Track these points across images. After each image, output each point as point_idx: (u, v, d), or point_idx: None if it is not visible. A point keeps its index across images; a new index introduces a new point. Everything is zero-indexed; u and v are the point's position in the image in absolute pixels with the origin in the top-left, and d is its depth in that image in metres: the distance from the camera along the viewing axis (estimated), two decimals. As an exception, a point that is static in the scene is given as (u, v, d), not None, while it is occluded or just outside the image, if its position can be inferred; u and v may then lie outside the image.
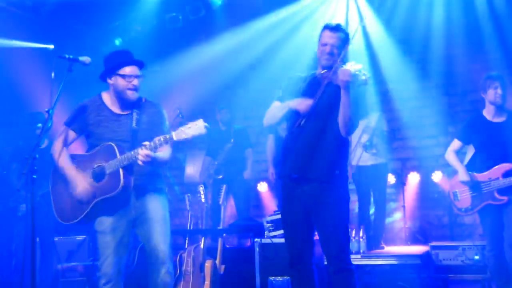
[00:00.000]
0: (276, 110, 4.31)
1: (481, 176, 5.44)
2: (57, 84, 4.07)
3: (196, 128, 3.90)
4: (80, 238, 7.37)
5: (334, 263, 4.09)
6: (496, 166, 5.35)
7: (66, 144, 4.31)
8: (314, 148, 4.13)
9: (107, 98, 4.38)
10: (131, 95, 4.28)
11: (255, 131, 9.76)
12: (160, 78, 8.87)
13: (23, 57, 8.13)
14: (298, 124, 4.16)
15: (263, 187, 9.37)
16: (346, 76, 3.85)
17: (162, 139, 3.98)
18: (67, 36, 8.42)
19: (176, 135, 3.93)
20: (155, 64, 9.14)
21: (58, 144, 4.30)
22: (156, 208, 4.32)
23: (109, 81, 4.33)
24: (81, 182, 4.18)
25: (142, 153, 3.98)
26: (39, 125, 6.81)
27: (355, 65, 3.89)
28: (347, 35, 4.24)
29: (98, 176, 4.18)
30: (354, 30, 4.27)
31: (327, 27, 4.24)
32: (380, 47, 8.74)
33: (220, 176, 8.10)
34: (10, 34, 7.86)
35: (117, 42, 9.26)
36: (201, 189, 6.26)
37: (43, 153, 6.22)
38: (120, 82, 4.26)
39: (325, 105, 4.12)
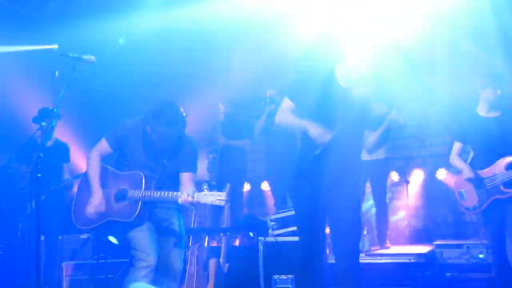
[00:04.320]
0: (290, 122, 4.25)
1: (485, 172, 5.40)
2: (61, 83, 4.07)
3: (216, 199, 4.25)
4: (84, 236, 7.36)
5: (344, 262, 4.15)
6: (499, 160, 5.31)
7: (100, 155, 4.66)
8: (337, 157, 4.06)
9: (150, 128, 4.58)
10: (157, 143, 4.55)
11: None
12: (165, 76, 8.88)
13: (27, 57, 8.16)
14: (314, 153, 4.08)
15: (266, 186, 9.36)
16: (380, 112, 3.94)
17: (188, 199, 4.30)
18: (70, 34, 8.41)
19: (197, 197, 4.27)
20: (159, 62, 9.15)
21: (95, 153, 4.64)
22: (177, 226, 4.73)
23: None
24: (98, 197, 4.50)
25: (187, 199, 4.30)
26: (43, 123, 6.80)
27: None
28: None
29: (119, 197, 4.53)
30: None
31: None
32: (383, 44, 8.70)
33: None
34: (14, 32, 7.86)
35: (121, 40, 9.25)
36: (205, 187, 6.26)
37: (50, 151, 6.23)
38: (151, 133, 4.49)
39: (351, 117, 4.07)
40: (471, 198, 5.51)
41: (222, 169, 7.88)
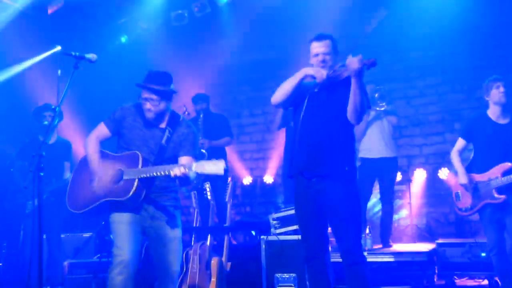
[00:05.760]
0: (286, 83, 4.44)
1: (481, 176, 5.51)
2: (64, 81, 4.08)
3: (215, 167, 4.06)
4: (86, 235, 7.37)
5: (348, 257, 4.23)
6: (497, 166, 5.41)
7: (97, 138, 4.51)
8: (323, 146, 4.26)
9: None
10: (147, 114, 4.45)
11: (260, 128, 9.78)
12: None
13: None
14: (312, 92, 4.36)
15: (269, 178, 9.41)
16: (355, 64, 4.05)
17: (181, 166, 4.14)
18: (73, 33, 8.43)
19: (195, 168, 4.09)
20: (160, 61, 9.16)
21: (92, 137, 4.51)
22: (175, 227, 4.50)
23: None
24: (100, 178, 4.36)
25: (180, 171, 4.11)
26: (49, 112, 6.76)
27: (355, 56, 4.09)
28: (334, 41, 4.46)
29: (116, 178, 4.34)
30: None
31: (313, 39, 4.47)
32: (386, 44, 8.72)
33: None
34: (17, 31, 7.88)
35: (123, 39, 9.27)
36: (207, 186, 6.27)
37: (51, 149, 6.22)
38: (142, 102, 4.46)
39: (330, 103, 4.30)
40: (465, 200, 5.65)
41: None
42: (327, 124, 4.28)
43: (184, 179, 4.20)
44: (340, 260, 4.30)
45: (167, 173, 4.16)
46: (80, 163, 4.61)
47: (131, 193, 4.22)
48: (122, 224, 4.34)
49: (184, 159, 4.45)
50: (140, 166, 4.29)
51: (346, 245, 4.22)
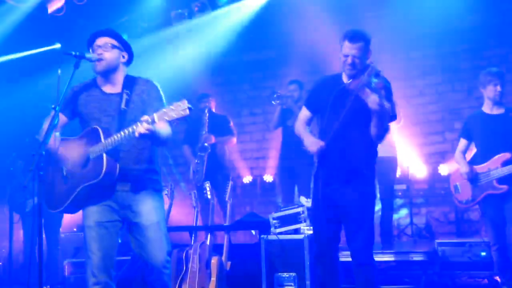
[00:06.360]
0: (300, 131, 4.53)
1: (481, 168, 5.54)
2: (64, 81, 4.06)
3: (179, 109, 3.59)
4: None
5: (357, 257, 4.25)
6: (496, 156, 5.43)
7: (55, 128, 3.98)
8: (348, 155, 4.27)
9: (100, 79, 4.20)
10: (97, 66, 4.10)
11: (260, 127, 9.78)
12: (166, 72, 8.88)
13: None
14: (316, 158, 4.34)
15: (269, 177, 9.41)
16: (374, 105, 4.01)
17: (143, 121, 3.70)
18: (73, 32, 8.41)
19: (159, 118, 3.66)
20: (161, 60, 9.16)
21: (46, 126, 3.99)
22: (150, 212, 4.10)
23: None
24: (68, 167, 4.02)
25: (146, 128, 3.69)
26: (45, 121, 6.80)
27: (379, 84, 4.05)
28: (368, 42, 4.25)
29: (83, 162, 3.99)
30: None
31: (347, 37, 4.22)
32: (385, 42, 8.71)
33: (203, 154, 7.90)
34: (17, 30, 7.89)
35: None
36: (207, 185, 6.27)
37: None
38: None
39: (356, 114, 4.22)
40: (465, 192, 5.69)
41: (208, 167, 7.81)
42: (353, 136, 4.28)
43: (152, 137, 3.78)
44: (350, 259, 4.33)
45: (131, 134, 3.76)
46: (46, 159, 4.04)
47: (103, 171, 3.87)
48: (90, 229, 4.03)
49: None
50: (103, 139, 3.91)
51: (357, 246, 4.25)
